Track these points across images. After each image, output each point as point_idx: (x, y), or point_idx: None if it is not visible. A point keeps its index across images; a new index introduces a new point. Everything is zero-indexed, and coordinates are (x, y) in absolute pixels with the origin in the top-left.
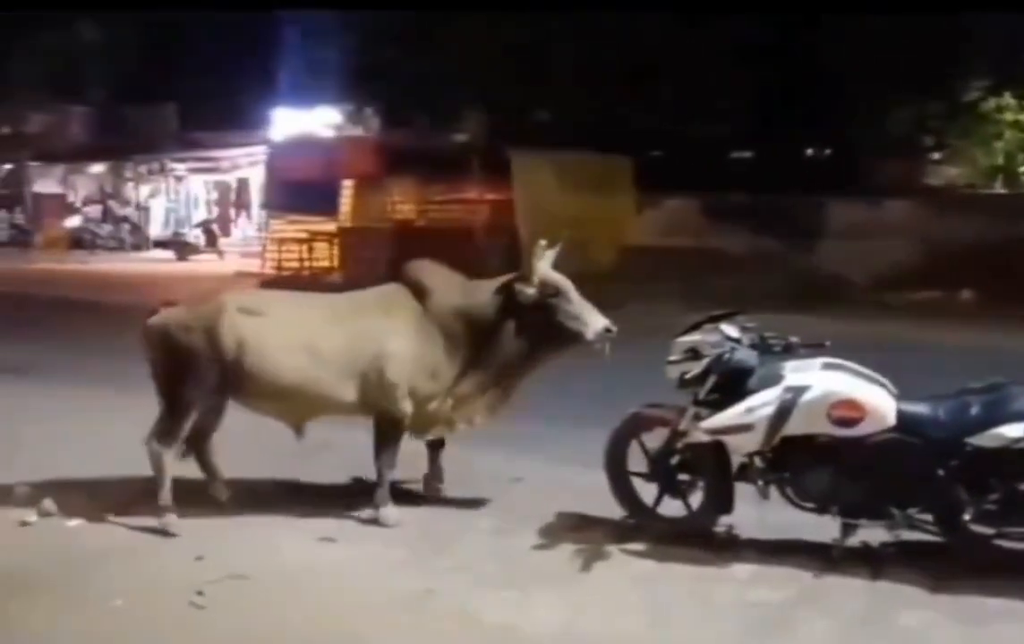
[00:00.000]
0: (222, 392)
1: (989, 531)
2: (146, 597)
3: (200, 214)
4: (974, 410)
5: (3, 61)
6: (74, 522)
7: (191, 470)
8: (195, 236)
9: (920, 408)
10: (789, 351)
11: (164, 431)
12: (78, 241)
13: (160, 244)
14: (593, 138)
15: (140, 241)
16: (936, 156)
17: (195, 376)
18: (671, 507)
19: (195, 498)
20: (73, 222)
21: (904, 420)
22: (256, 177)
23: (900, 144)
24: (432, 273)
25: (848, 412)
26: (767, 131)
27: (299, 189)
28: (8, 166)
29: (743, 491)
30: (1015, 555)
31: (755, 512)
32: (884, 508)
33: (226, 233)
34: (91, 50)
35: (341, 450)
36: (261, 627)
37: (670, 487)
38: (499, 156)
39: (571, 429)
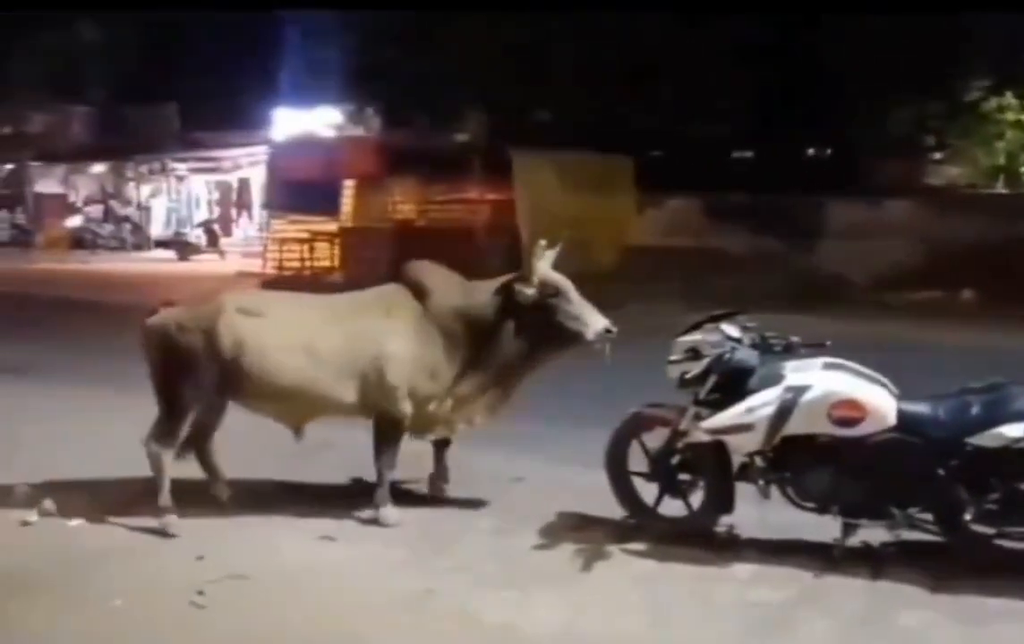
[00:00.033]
0: (221, 393)
1: (989, 531)
2: (146, 597)
3: (201, 214)
4: (974, 410)
5: (4, 61)
6: (74, 522)
7: (191, 470)
8: (196, 236)
9: (921, 408)
10: (790, 351)
11: (163, 432)
12: (79, 241)
13: (161, 244)
14: (594, 138)
15: (141, 241)
16: (937, 156)
17: (194, 376)
18: (672, 507)
19: (195, 498)
20: (74, 222)
21: (905, 420)
22: (257, 177)
23: (901, 144)
24: (432, 273)
25: (849, 412)
26: (767, 131)
27: (300, 189)
28: (9, 166)
29: (744, 491)
30: (1015, 555)
31: (756, 512)
32: (885, 508)
33: (227, 233)
34: (92, 50)
35: (341, 450)
36: (261, 627)
37: (671, 487)
38: (500, 156)
39: (571, 429)
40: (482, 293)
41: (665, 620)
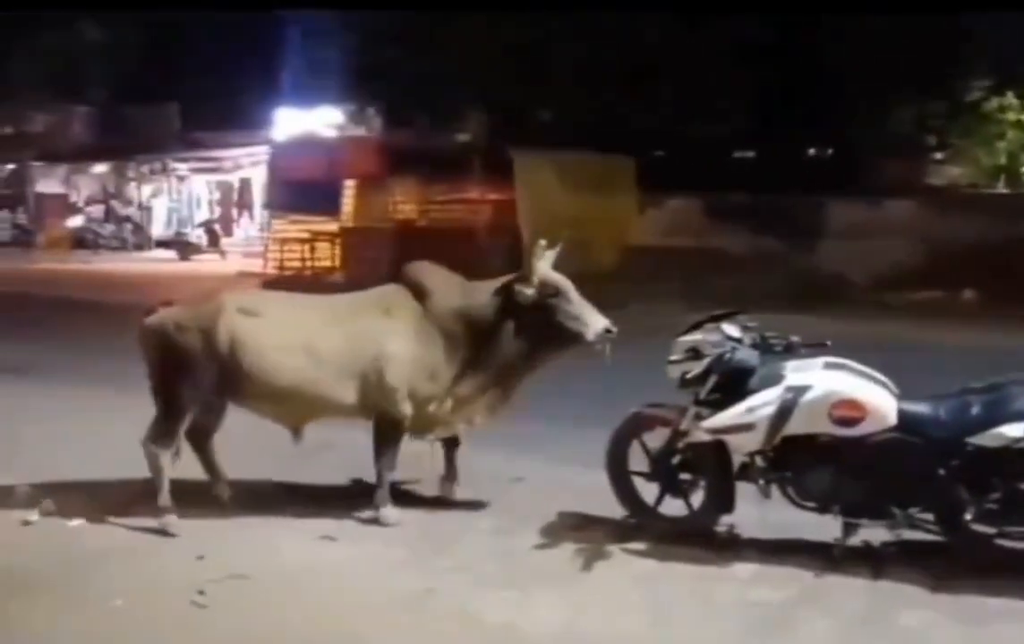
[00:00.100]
0: (220, 393)
1: (990, 531)
2: (146, 597)
3: (202, 214)
4: (975, 410)
5: (5, 61)
6: (74, 522)
7: (191, 471)
8: (197, 236)
9: (921, 408)
10: (790, 351)
11: (161, 432)
12: (80, 241)
13: (162, 244)
14: (594, 138)
15: (142, 241)
16: (938, 156)
17: (192, 376)
18: (672, 506)
19: (195, 498)
20: (75, 222)
21: (905, 420)
22: (258, 177)
23: (901, 144)
24: (432, 274)
25: (849, 412)
26: (768, 131)
27: (301, 189)
28: (11, 166)
29: (744, 490)
30: (1016, 555)
31: (756, 511)
32: (885, 507)
33: (228, 233)
34: (93, 50)
35: (341, 451)
36: (261, 627)
37: (671, 486)
38: (501, 156)
39: (572, 429)
40: (482, 293)
41: (666, 620)
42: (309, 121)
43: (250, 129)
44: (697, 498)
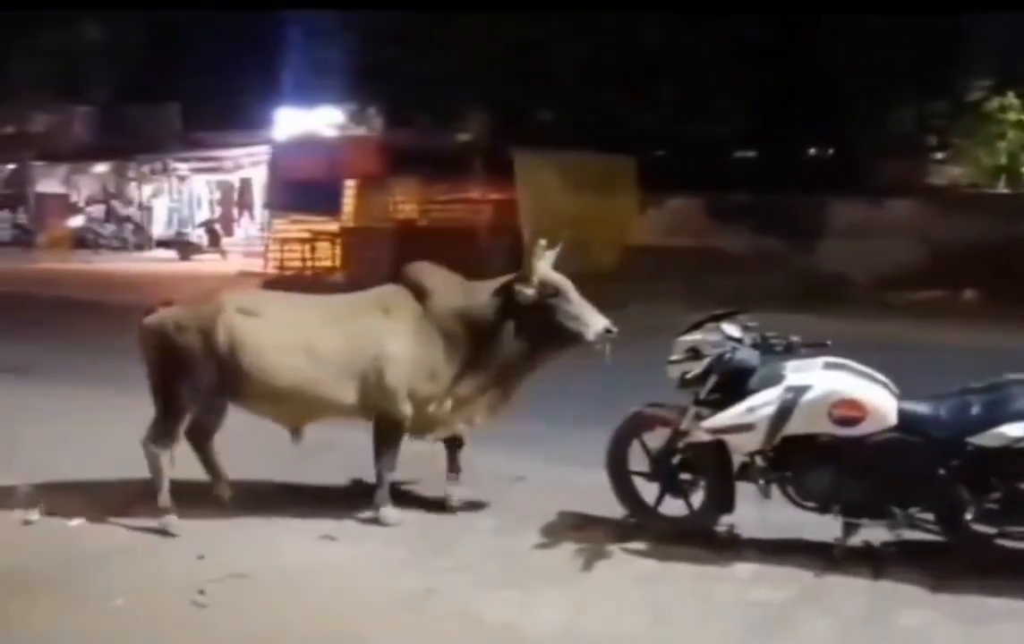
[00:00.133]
0: (219, 393)
1: (990, 530)
2: (146, 597)
3: (203, 214)
4: (975, 409)
5: (6, 61)
6: (74, 522)
7: (191, 471)
8: (198, 236)
9: (921, 407)
10: (790, 350)
11: (160, 433)
12: (81, 241)
13: (163, 244)
14: (595, 138)
15: (143, 241)
16: (939, 156)
17: (191, 376)
18: (672, 506)
19: (196, 499)
20: (76, 222)
21: (905, 419)
22: (259, 177)
23: (902, 144)
24: (431, 274)
25: (849, 411)
26: (769, 131)
27: (302, 189)
28: (11, 166)
29: (744, 490)
30: (1016, 555)
31: (756, 511)
32: (885, 507)
33: (229, 233)
34: (94, 50)
35: (341, 451)
36: (261, 627)
37: (671, 486)
38: (502, 156)
39: (572, 429)
40: (482, 294)
41: (666, 619)
42: (310, 121)
43: (251, 129)
44: (697, 498)
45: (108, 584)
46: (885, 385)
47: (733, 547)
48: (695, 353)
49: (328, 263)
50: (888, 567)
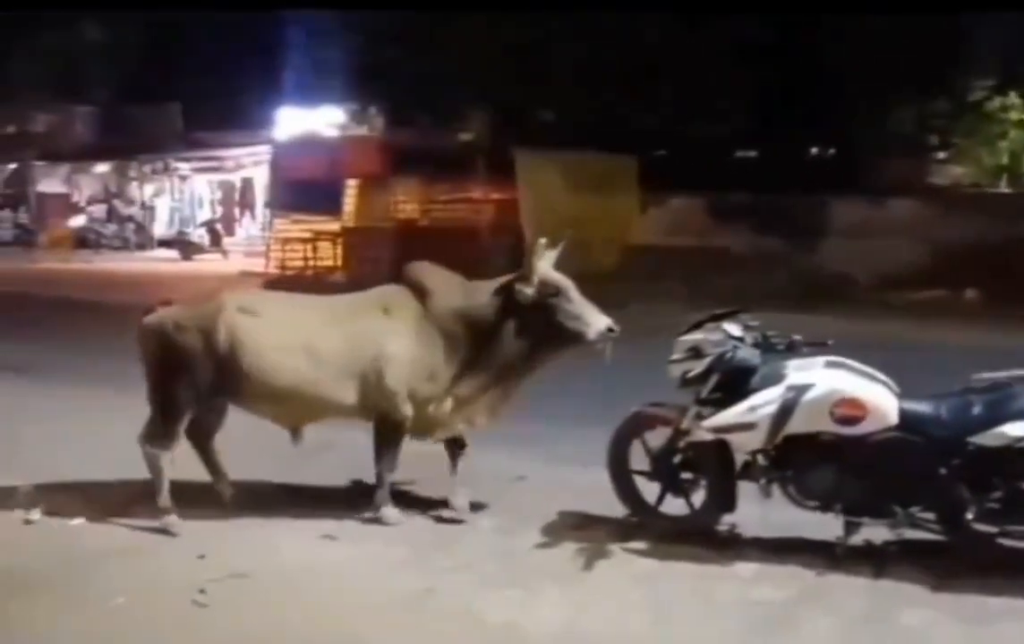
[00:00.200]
0: (219, 393)
1: (992, 530)
2: (146, 597)
3: (204, 213)
4: (976, 409)
5: (7, 61)
6: (75, 522)
7: (191, 471)
8: (199, 236)
9: (923, 407)
10: (792, 350)
11: (158, 433)
12: (82, 241)
13: (164, 243)
14: (596, 138)
15: (144, 241)
16: (941, 155)
17: (190, 377)
18: (673, 505)
19: (196, 499)
20: (77, 222)
21: (907, 419)
22: (260, 177)
23: (903, 143)
24: (432, 274)
25: (851, 411)
26: (769, 131)
27: (303, 188)
28: (12, 166)
29: (745, 489)
30: (1017, 554)
31: (758, 510)
32: (887, 506)
33: (230, 233)
34: (95, 50)
35: (341, 451)
36: (261, 627)
37: (672, 485)
38: (503, 156)
39: (573, 428)
40: (482, 294)
41: (667, 619)
42: (311, 121)
43: (252, 129)
44: (698, 497)
45: (108, 584)
46: (886, 384)
47: (734, 546)
48: (696, 352)
49: (329, 263)
50: (889, 566)
